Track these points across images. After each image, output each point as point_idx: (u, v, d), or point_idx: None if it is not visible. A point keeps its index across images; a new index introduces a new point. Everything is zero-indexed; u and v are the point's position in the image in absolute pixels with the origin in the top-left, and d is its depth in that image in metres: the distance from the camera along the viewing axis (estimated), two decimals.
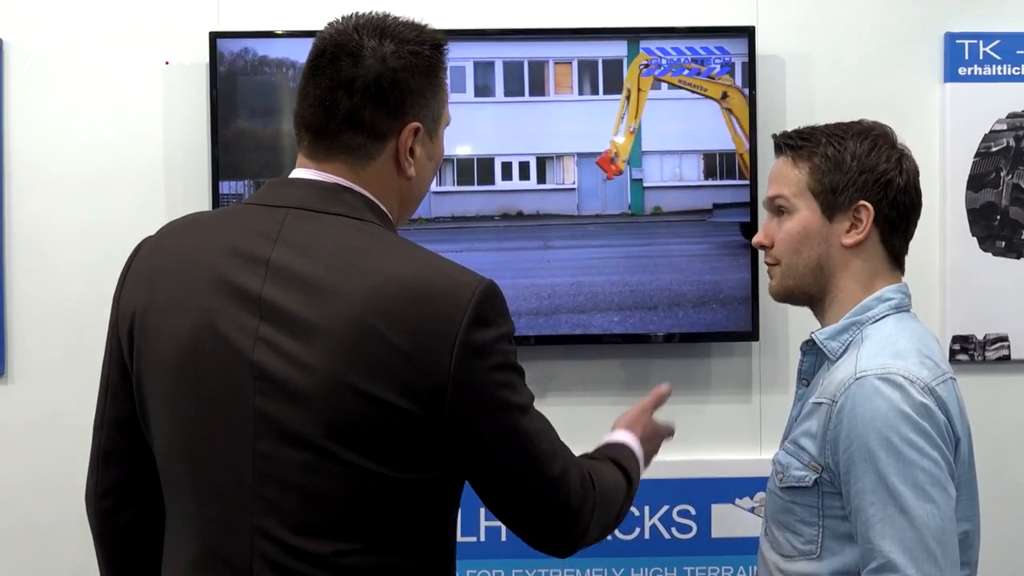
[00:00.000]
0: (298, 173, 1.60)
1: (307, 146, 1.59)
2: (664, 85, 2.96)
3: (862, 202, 1.91)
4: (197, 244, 1.58)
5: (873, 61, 3.06)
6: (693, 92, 2.95)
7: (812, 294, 1.97)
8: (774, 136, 2.02)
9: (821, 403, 1.84)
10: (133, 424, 1.63)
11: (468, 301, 1.47)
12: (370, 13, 1.60)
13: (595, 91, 2.96)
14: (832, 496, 1.84)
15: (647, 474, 3.26)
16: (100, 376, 1.66)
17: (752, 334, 2.98)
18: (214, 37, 2.91)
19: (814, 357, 1.99)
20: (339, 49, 1.56)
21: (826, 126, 1.97)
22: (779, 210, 1.98)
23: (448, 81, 1.65)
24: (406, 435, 1.48)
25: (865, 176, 1.90)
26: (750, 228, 2.94)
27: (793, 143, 1.96)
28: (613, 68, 2.97)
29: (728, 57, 2.96)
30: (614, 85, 2.97)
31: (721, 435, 3.06)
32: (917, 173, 1.97)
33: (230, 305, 1.50)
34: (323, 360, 1.45)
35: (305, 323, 1.46)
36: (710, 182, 2.97)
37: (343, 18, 1.60)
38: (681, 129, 2.96)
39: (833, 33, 3.06)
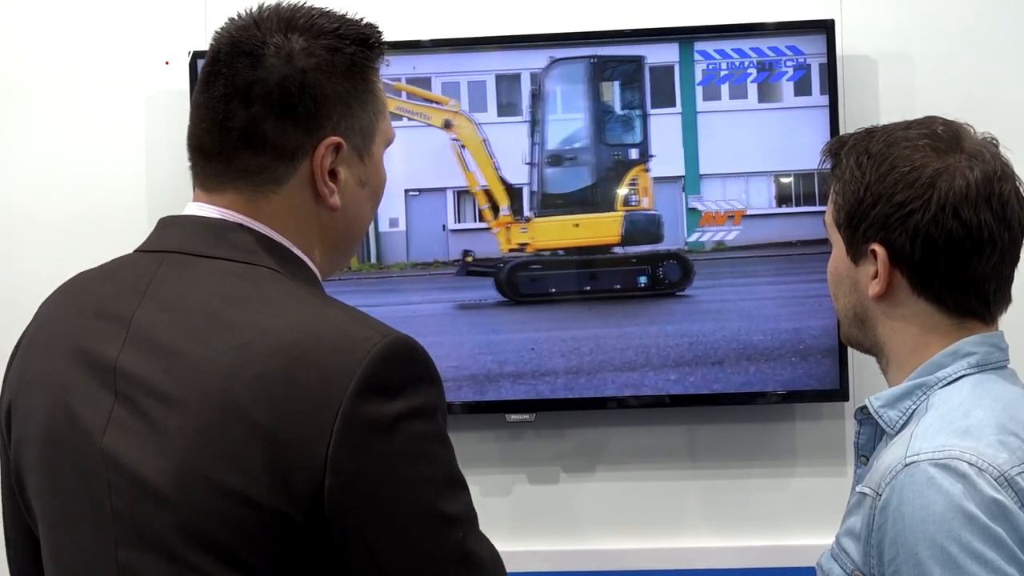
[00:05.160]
0: (187, 209, 1.42)
1: (199, 174, 1.40)
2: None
3: (872, 246, 1.56)
4: (67, 304, 1.43)
5: (989, 63, 2.75)
6: (413, 120, 2.67)
7: (867, 347, 1.68)
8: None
9: (865, 494, 1.54)
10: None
11: (360, 361, 1.22)
12: (279, 3, 1.40)
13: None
14: None
15: (723, 563, 2.78)
16: None
17: (840, 392, 2.66)
18: (196, 58, 2.68)
19: (872, 428, 1.69)
20: (235, 49, 1.36)
21: (872, 129, 1.62)
22: None
23: (381, 85, 1.44)
24: (284, 548, 1.24)
25: (880, 207, 1.55)
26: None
27: (830, 150, 1.64)
28: (663, 76, 2.70)
29: (803, 58, 2.67)
30: (664, 97, 2.70)
31: (811, 515, 2.78)
32: (969, 190, 1.53)
33: (83, 378, 1.34)
34: (177, 446, 1.26)
35: (163, 398, 1.28)
36: None
37: (247, 11, 1.40)
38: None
39: (938, 28, 2.76)
